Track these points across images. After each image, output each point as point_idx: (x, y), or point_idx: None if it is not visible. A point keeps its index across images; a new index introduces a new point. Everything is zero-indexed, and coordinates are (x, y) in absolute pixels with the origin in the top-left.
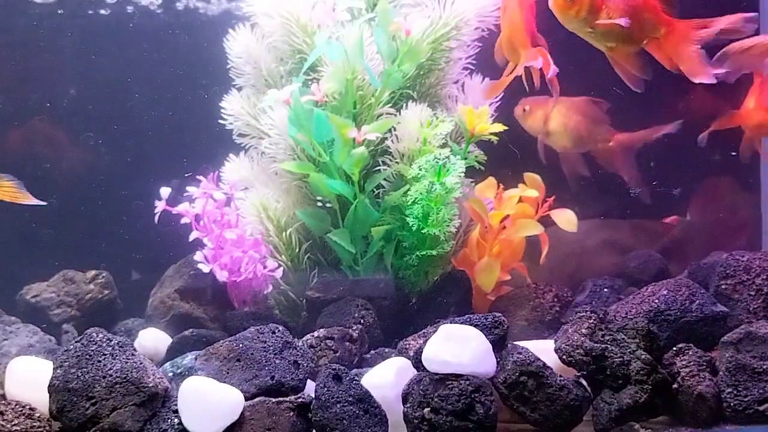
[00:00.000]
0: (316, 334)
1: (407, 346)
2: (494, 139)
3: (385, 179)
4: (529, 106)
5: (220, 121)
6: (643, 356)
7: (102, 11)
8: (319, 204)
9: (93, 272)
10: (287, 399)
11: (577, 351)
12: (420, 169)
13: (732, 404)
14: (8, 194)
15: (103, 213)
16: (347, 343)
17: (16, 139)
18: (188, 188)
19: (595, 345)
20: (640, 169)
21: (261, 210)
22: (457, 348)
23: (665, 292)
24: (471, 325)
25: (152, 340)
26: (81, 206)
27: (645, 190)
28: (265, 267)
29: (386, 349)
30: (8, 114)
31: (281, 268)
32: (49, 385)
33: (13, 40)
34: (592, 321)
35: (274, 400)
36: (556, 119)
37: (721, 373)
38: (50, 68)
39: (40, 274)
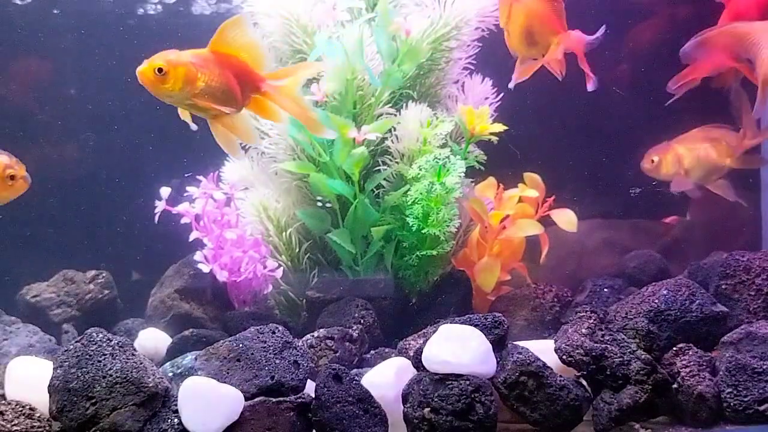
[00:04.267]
0: (316, 334)
1: (407, 346)
2: (494, 139)
3: (385, 179)
4: (657, 155)
5: None
6: (643, 356)
7: (101, 10)
8: (319, 204)
9: (93, 272)
10: (287, 399)
11: (577, 351)
12: (420, 169)
13: (732, 404)
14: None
15: (103, 213)
16: (347, 343)
17: (16, 139)
18: (188, 188)
19: (595, 345)
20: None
21: (261, 210)
22: (457, 348)
23: (665, 292)
24: (471, 325)
25: (152, 340)
26: (81, 206)
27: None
28: (265, 267)
29: (386, 349)
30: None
31: (281, 268)
32: (49, 385)
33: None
34: (592, 321)
35: (274, 400)
36: (688, 157)
37: (721, 373)
38: (47, 68)
39: (40, 274)
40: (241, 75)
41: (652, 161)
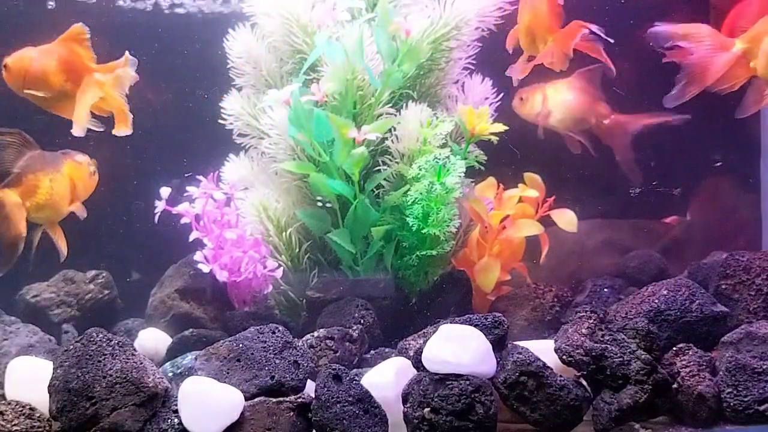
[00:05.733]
0: (316, 334)
1: (407, 346)
2: (494, 139)
3: (385, 179)
4: (525, 94)
5: (220, 121)
6: (643, 356)
7: (100, 10)
8: (319, 204)
9: (93, 272)
10: (287, 399)
11: (577, 351)
12: (420, 169)
13: (732, 404)
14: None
15: (103, 213)
16: (347, 343)
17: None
18: (188, 188)
19: (595, 345)
20: (637, 154)
21: (261, 210)
22: (457, 348)
23: (665, 292)
24: (471, 325)
25: (152, 340)
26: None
27: (638, 174)
28: (265, 267)
29: (386, 349)
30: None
31: (281, 268)
32: (49, 385)
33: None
34: (592, 321)
35: (274, 400)
36: (553, 99)
37: (721, 373)
38: None
39: (40, 274)
40: (74, 66)
41: (521, 99)
